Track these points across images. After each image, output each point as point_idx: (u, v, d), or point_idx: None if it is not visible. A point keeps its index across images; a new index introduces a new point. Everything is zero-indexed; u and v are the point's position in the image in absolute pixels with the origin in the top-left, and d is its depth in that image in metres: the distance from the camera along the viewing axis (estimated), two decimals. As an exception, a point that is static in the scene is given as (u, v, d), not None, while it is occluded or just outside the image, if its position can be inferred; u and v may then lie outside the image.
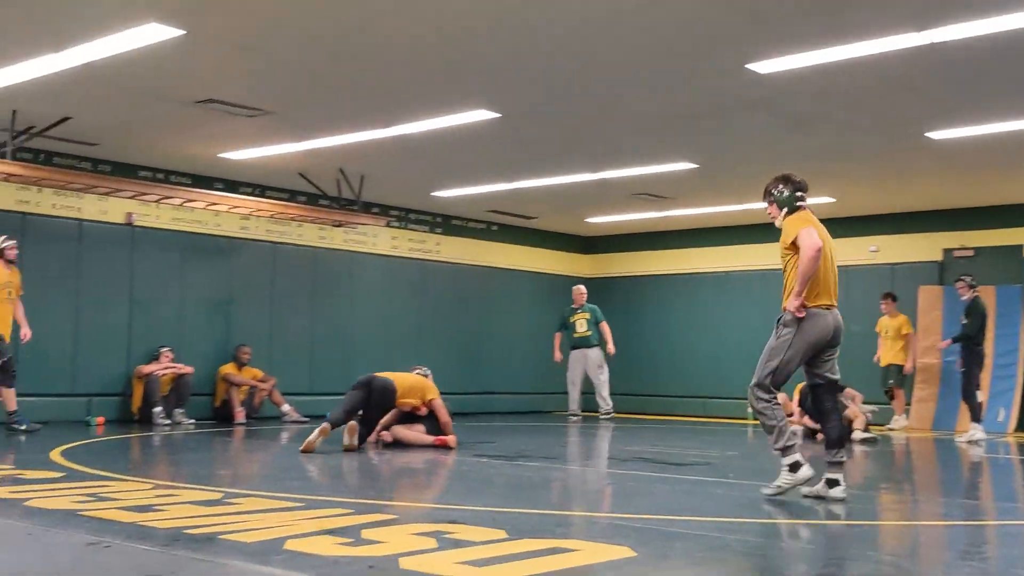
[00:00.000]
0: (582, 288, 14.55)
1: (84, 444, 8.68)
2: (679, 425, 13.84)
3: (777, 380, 5.86)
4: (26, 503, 4.97)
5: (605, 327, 14.11)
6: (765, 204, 6.16)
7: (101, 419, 11.09)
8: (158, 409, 11.23)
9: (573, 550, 4.08)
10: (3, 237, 10.00)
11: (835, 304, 5.95)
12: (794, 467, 5.81)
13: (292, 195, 13.33)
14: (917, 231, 14.38)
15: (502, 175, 12.38)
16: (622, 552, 4.07)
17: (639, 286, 17.07)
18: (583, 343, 14.10)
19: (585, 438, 11.27)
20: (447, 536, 4.32)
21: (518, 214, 15.47)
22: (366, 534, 4.34)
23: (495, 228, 16.20)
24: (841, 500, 5.78)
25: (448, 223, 15.60)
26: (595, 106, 9.05)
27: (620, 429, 12.60)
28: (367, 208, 13.42)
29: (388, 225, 14.11)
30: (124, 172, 11.71)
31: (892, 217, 14.51)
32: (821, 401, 6.06)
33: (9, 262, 9.92)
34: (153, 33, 7.06)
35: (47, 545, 4.03)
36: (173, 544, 4.00)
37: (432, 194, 13.72)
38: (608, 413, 13.93)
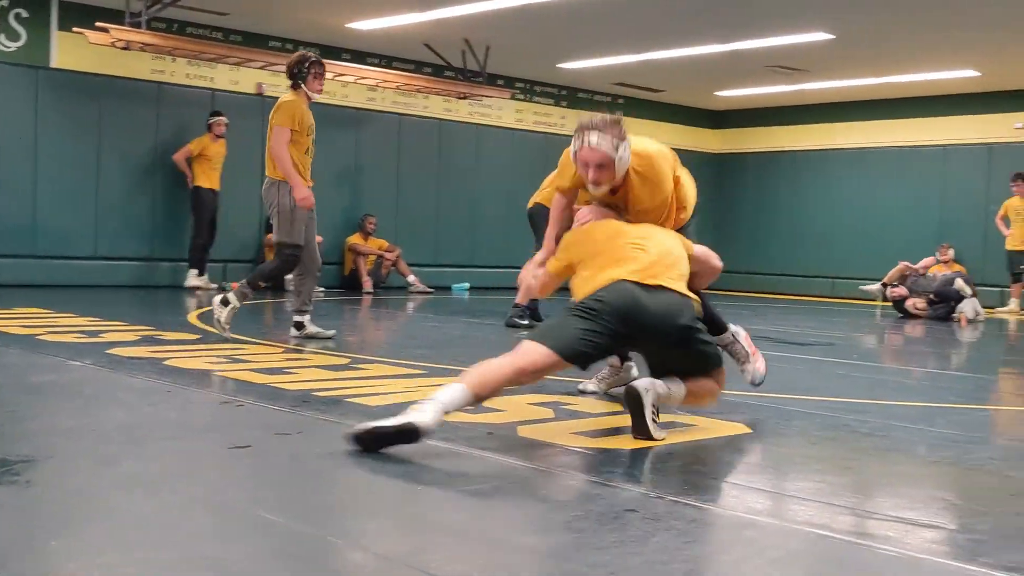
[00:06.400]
0: None
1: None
2: (807, 305, 13.62)
3: None
4: (165, 362, 5.22)
5: None
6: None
7: (235, 284, 11.45)
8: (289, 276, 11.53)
9: (689, 425, 4.09)
10: (214, 114, 11.22)
11: None
12: (224, 302, 6.67)
13: (418, 67, 13.31)
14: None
15: (630, 46, 12.09)
16: (738, 428, 4.07)
17: (771, 163, 16.60)
18: None
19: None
20: (565, 407, 4.38)
21: (645, 87, 15.13)
22: (486, 403, 4.42)
23: (621, 101, 15.91)
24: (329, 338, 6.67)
25: (574, 96, 15.39)
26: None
27: (745, 308, 12.47)
28: (492, 80, 13.31)
29: (513, 98, 14.01)
30: (255, 43, 11.86)
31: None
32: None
33: (218, 136, 11.20)
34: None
35: (184, 402, 4.24)
36: (301, 405, 4.16)
37: (558, 66, 13.52)
38: None
